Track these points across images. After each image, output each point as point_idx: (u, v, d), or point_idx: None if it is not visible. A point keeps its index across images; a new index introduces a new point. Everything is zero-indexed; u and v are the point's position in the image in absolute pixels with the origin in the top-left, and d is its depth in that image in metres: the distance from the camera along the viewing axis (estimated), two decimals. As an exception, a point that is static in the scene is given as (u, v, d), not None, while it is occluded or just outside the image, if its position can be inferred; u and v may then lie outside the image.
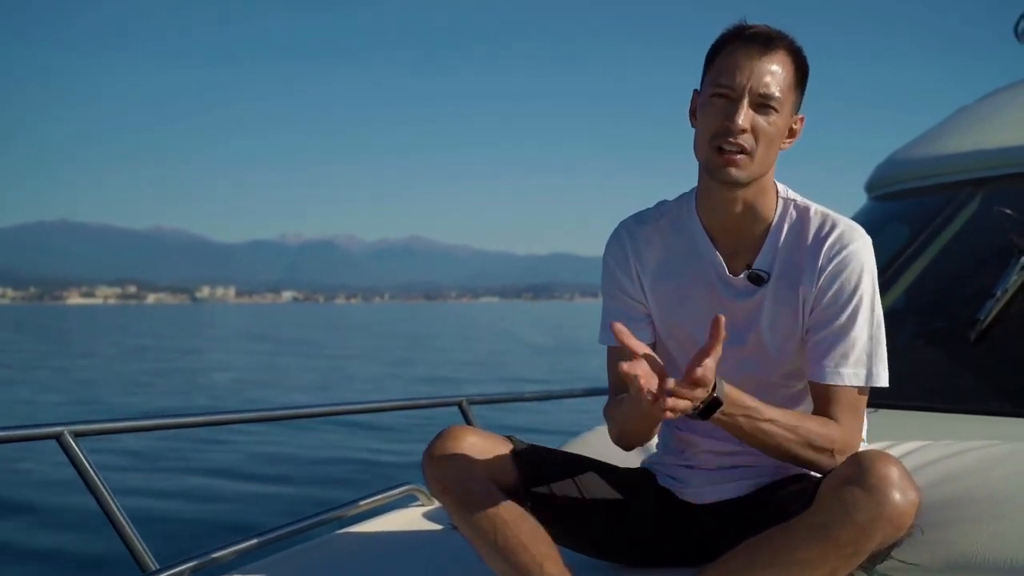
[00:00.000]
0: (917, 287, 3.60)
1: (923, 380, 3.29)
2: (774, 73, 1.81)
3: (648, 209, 2.07)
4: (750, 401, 1.75)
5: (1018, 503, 1.94)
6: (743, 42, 1.82)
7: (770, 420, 1.76)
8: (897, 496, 1.59)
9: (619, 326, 1.67)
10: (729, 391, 1.71)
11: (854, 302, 1.86)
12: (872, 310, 1.88)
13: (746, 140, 1.80)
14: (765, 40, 1.82)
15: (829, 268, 1.87)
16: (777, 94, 1.81)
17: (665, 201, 2.06)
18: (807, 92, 1.91)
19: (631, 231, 2.04)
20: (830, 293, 1.86)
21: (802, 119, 1.92)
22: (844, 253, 1.87)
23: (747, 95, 1.80)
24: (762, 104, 1.80)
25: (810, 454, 1.80)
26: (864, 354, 1.86)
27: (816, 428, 1.81)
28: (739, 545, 1.75)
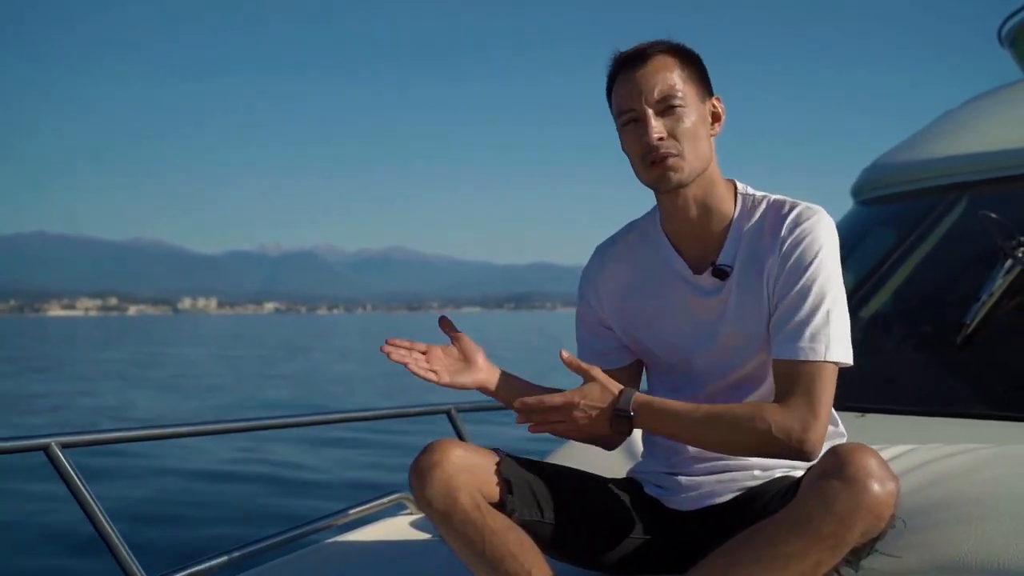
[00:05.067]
0: (903, 291, 3.62)
1: (910, 384, 3.30)
2: (661, 76, 1.87)
3: (619, 230, 2.15)
4: (672, 406, 1.84)
5: (1004, 506, 1.96)
6: (622, 66, 1.91)
7: (696, 419, 1.82)
8: (876, 486, 1.60)
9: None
10: (642, 403, 1.84)
11: (810, 273, 1.85)
12: (830, 284, 1.86)
13: (670, 145, 1.86)
14: (638, 55, 1.89)
15: (789, 240, 1.88)
16: (672, 92, 1.87)
17: (635, 220, 2.14)
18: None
19: (602, 255, 2.14)
20: (788, 264, 1.87)
21: (718, 99, 1.96)
22: (802, 226, 1.88)
23: (648, 107, 1.86)
24: (666, 108, 1.87)
25: (754, 439, 1.79)
26: (821, 328, 1.83)
27: (745, 412, 1.81)
28: (723, 544, 1.75)
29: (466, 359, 2.01)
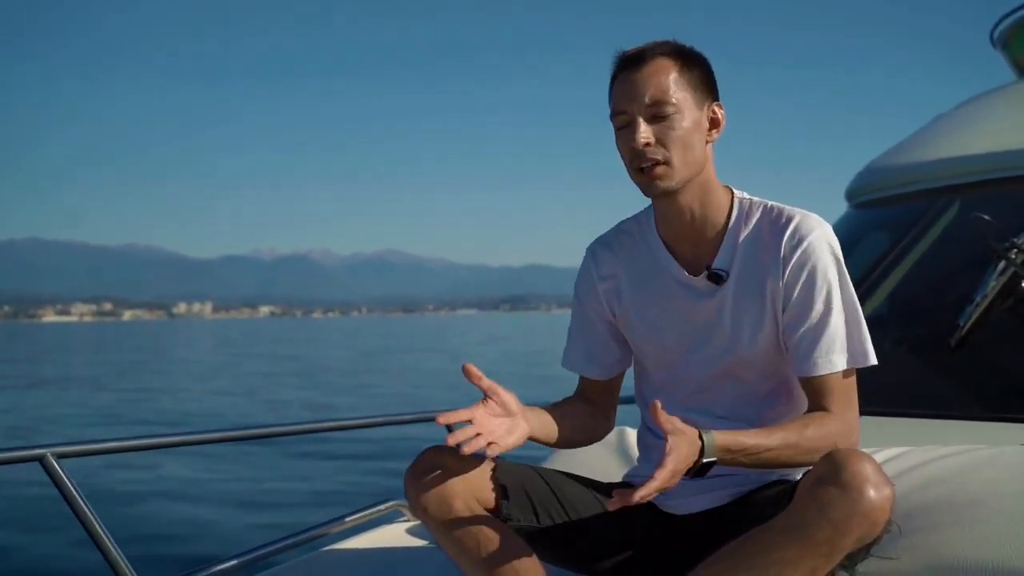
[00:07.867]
0: (897, 294, 3.62)
1: (904, 386, 3.31)
2: (655, 80, 1.84)
3: (610, 231, 2.13)
4: (748, 440, 1.76)
5: (998, 507, 1.96)
6: (620, 68, 1.89)
7: (770, 448, 1.77)
8: (871, 492, 1.59)
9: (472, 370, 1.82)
10: (721, 442, 1.72)
11: (825, 292, 1.87)
12: (844, 293, 1.89)
13: (656, 152, 1.84)
14: (636, 57, 1.87)
15: (793, 261, 1.88)
16: (664, 97, 1.83)
17: (625, 220, 2.12)
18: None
19: (597, 256, 2.10)
20: (799, 287, 1.88)
21: (719, 105, 1.93)
22: (805, 244, 1.88)
23: (638, 113, 1.84)
24: (655, 114, 1.84)
25: (815, 457, 1.78)
26: (845, 338, 1.88)
27: (815, 433, 1.81)
28: (718, 550, 1.75)
29: (506, 411, 1.86)
